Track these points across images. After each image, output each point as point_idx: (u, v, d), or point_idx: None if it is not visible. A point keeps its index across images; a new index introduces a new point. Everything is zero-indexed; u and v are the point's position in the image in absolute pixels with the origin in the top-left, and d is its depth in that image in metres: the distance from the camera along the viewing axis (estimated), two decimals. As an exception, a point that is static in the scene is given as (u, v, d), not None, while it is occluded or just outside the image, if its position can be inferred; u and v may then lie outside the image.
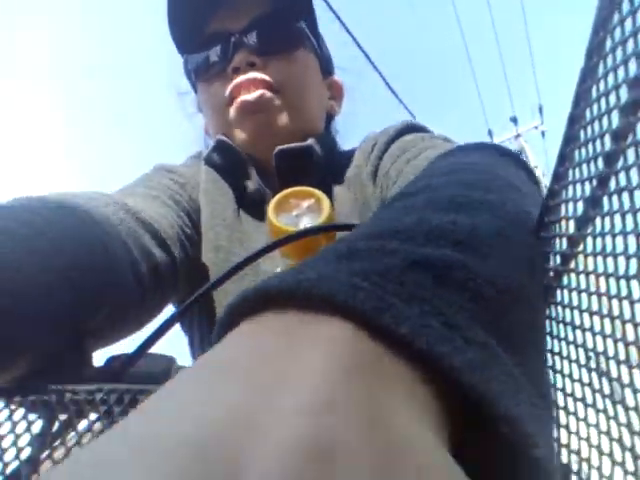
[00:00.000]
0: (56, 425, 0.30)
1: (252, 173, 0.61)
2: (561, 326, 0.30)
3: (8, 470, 0.28)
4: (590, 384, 0.27)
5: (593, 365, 0.27)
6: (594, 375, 0.27)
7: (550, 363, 0.32)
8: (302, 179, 0.51)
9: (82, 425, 0.30)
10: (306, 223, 0.38)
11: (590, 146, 0.27)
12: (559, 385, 0.30)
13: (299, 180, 0.50)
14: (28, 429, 0.30)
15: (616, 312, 0.24)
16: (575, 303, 0.28)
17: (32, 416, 0.30)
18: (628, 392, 0.23)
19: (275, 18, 0.62)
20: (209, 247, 0.57)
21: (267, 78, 0.60)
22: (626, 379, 0.24)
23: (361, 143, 0.67)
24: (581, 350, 0.28)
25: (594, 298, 0.27)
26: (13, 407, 0.31)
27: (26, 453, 0.29)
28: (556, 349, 0.31)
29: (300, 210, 0.39)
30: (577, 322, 0.28)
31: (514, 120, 10.87)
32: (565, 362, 0.30)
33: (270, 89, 0.60)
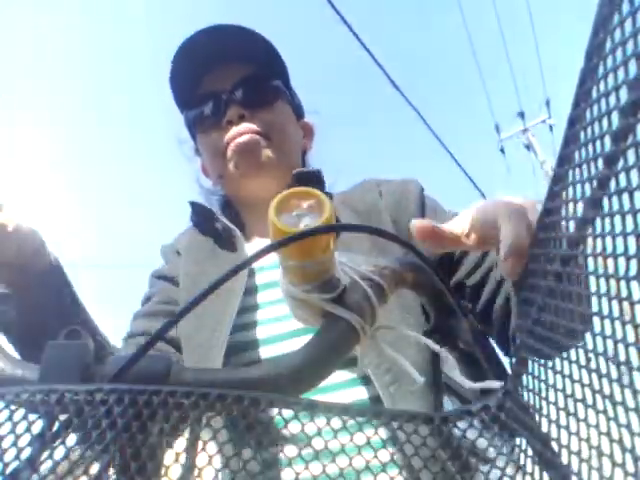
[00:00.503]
0: (56, 425, 0.30)
1: (221, 218, 0.79)
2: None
3: (8, 470, 0.28)
4: (590, 385, 0.27)
5: (593, 366, 0.27)
6: (594, 376, 0.27)
7: (550, 364, 0.32)
8: None
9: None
10: (307, 223, 0.38)
11: (590, 147, 0.27)
12: (559, 386, 0.30)
13: None
14: (28, 429, 0.30)
15: (616, 313, 0.24)
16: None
17: (32, 416, 0.31)
18: (628, 393, 0.23)
19: (257, 79, 0.80)
20: (185, 281, 0.76)
21: (255, 127, 0.77)
22: (626, 380, 0.24)
23: (362, 183, 0.83)
24: (581, 351, 0.28)
25: (594, 300, 0.26)
26: (13, 407, 0.31)
27: (26, 453, 0.29)
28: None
29: (301, 210, 0.39)
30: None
31: (521, 115, 10.78)
32: (565, 363, 0.30)
33: (258, 135, 0.77)
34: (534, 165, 11.08)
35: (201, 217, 0.81)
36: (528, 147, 10.71)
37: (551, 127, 10.78)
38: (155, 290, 0.80)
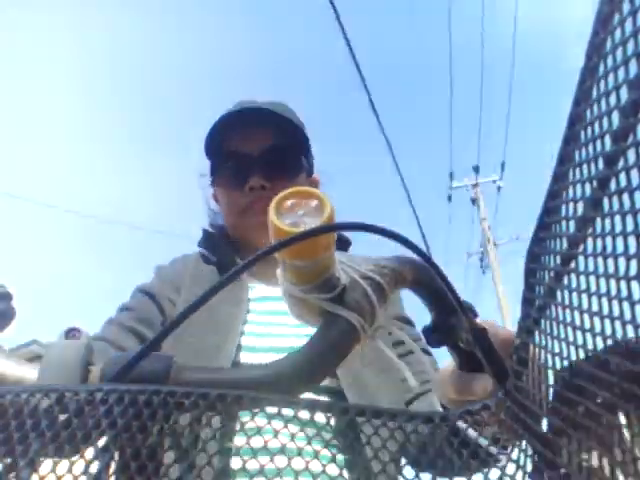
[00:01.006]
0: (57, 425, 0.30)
1: (227, 248, 0.88)
2: (562, 327, 0.30)
3: (8, 470, 0.28)
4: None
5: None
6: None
7: (551, 364, 0.32)
8: None
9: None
10: (307, 223, 0.38)
11: (590, 146, 0.27)
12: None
13: None
14: (30, 429, 0.30)
15: (617, 313, 0.24)
16: (575, 304, 0.28)
17: (32, 416, 0.31)
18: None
19: (281, 150, 0.89)
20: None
21: (269, 194, 0.80)
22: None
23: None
24: (582, 351, 0.28)
25: (594, 299, 0.26)
26: (15, 407, 0.31)
27: (27, 453, 0.29)
28: (557, 350, 0.31)
29: (301, 210, 0.39)
30: (577, 323, 0.28)
31: (476, 169, 11.12)
32: (566, 363, 0.30)
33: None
34: (474, 219, 11.34)
35: (210, 245, 0.89)
36: (474, 201, 11.02)
37: (499, 188, 11.18)
38: (135, 304, 0.84)
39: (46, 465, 0.29)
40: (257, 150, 0.88)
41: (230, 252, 0.87)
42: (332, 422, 0.36)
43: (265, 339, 0.76)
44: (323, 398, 0.70)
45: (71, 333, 0.38)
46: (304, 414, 0.33)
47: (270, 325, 0.79)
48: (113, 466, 0.30)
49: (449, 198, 11.33)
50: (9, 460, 0.29)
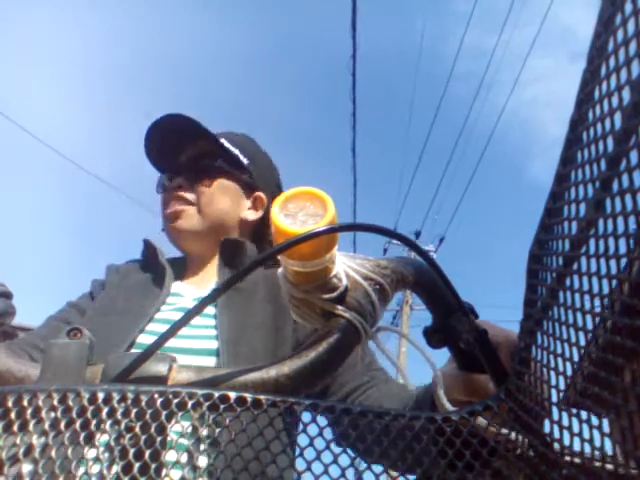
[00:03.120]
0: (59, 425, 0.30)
1: (160, 257, 0.93)
2: (564, 328, 0.30)
3: (9, 469, 0.28)
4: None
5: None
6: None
7: (553, 365, 0.32)
8: (238, 265, 0.90)
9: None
10: (310, 224, 0.38)
11: (593, 148, 0.27)
12: (561, 386, 0.30)
13: (235, 265, 0.90)
14: (33, 429, 0.30)
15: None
16: (578, 304, 0.28)
17: (34, 416, 0.30)
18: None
19: (201, 158, 0.96)
20: (103, 298, 0.90)
21: (186, 196, 0.93)
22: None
23: None
24: (583, 351, 0.28)
25: (596, 299, 0.26)
26: (17, 407, 0.31)
27: (27, 453, 0.29)
28: (559, 350, 0.31)
29: (303, 211, 0.39)
30: (580, 324, 0.28)
31: (417, 234, 11.44)
32: (568, 364, 0.30)
33: (186, 202, 0.93)
34: None
35: (148, 253, 0.97)
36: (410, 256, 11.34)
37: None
38: (88, 296, 0.95)
39: (47, 465, 0.29)
40: (181, 158, 0.97)
41: (163, 260, 0.94)
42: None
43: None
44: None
45: (72, 332, 0.38)
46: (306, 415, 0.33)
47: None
48: (115, 466, 0.29)
49: (384, 251, 11.56)
50: (12, 460, 0.29)
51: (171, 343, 0.74)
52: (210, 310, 0.83)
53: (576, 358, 0.29)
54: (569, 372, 0.30)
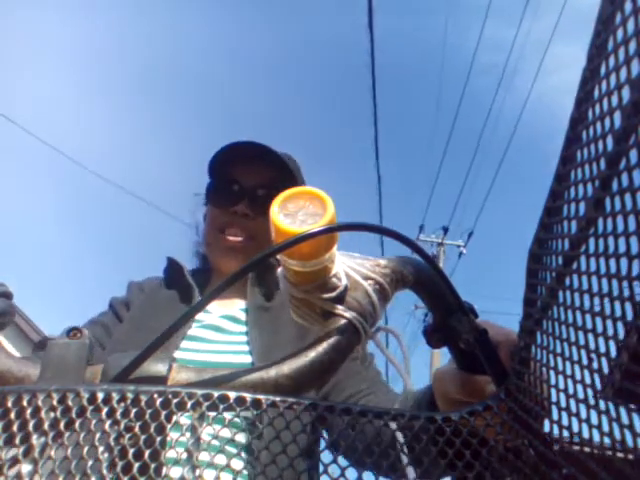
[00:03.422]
0: (60, 425, 0.30)
1: (187, 276, 0.96)
2: (563, 327, 0.30)
3: (9, 469, 0.28)
4: (592, 386, 0.27)
5: (595, 366, 0.27)
6: (596, 377, 0.27)
7: (552, 364, 0.31)
8: (269, 283, 0.94)
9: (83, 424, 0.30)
10: (309, 224, 0.38)
11: (592, 147, 0.27)
12: (562, 386, 0.30)
13: (267, 284, 0.94)
14: (33, 429, 0.30)
15: (618, 314, 0.24)
16: (577, 304, 0.28)
17: (34, 415, 0.30)
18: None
19: (273, 192, 0.91)
20: (133, 318, 0.92)
21: (251, 229, 0.96)
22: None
23: None
24: (583, 352, 0.28)
25: (596, 299, 0.26)
26: (16, 406, 0.31)
27: (27, 453, 0.29)
28: (558, 350, 0.30)
29: (303, 210, 0.39)
30: (579, 323, 0.28)
31: (445, 230, 11.50)
32: (568, 364, 0.30)
33: (249, 235, 0.96)
34: None
35: (173, 271, 0.99)
36: (435, 256, 11.24)
37: (460, 254, 11.55)
38: (110, 312, 0.96)
39: (48, 465, 0.29)
40: (253, 183, 0.98)
41: (192, 280, 0.96)
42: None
43: (201, 354, 0.83)
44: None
45: (72, 332, 0.38)
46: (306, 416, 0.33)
47: (208, 342, 0.86)
48: (115, 466, 0.29)
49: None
50: (12, 459, 0.29)
51: (209, 358, 0.80)
52: (241, 328, 0.88)
53: (575, 357, 0.29)
54: (568, 371, 0.29)
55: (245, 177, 0.99)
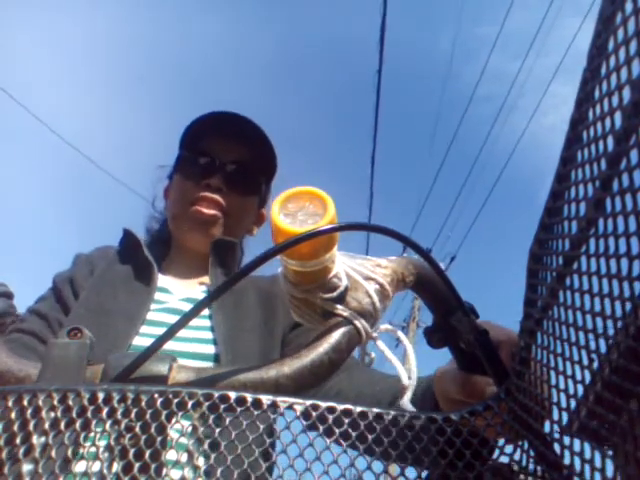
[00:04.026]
0: (60, 425, 0.30)
1: (145, 250, 0.89)
2: (564, 327, 0.30)
3: (10, 469, 0.28)
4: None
5: (596, 366, 0.27)
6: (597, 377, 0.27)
7: (553, 364, 0.31)
8: (230, 265, 0.90)
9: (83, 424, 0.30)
10: (309, 224, 0.38)
11: (593, 147, 0.27)
12: (562, 386, 0.30)
13: (228, 266, 0.89)
14: (33, 429, 0.30)
15: (619, 314, 0.24)
16: (578, 304, 0.28)
17: (35, 415, 0.30)
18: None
19: (248, 168, 0.94)
20: (89, 298, 0.84)
21: (223, 204, 0.90)
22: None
23: (273, 275, 0.93)
24: (584, 352, 0.28)
25: (597, 299, 0.26)
26: (17, 406, 0.31)
27: (29, 452, 0.29)
28: (559, 350, 0.30)
29: (303, 210, 0.39)
30: (580, 323, 0.28)
31: (428, 251, 11.48)
32: (568, 364, 0.30)
33: (221, 210, 0.90)
34: (408, 294, 11.83)
35: (129, 245, 0.92)
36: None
37: None
38: (50, 293, 0.88)
39: (48, 465, 0.29)
40: (230, 157, 0.92)
41: (148, 255, 0.89)
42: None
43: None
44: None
45: (72, 332, 0.38)
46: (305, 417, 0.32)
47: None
48: (115, 466, 0.29)
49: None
50: (12, 460, 0.29)
51: (169, 346, 0.73)
52: (204, 311, 0.78)
53: (576, 357, 0.29)
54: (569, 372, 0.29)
55: (221, 150, 0.93)
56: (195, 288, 0.90)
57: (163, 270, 0.92)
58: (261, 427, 0.32)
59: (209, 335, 0.78)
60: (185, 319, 0.37)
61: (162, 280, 0.89)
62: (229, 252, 0.91)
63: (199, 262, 0.93)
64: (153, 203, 1.05)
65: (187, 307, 0.81)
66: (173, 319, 0.79)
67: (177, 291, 0.87)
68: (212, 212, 0.89)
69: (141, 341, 0.76)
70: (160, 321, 0.80)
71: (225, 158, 0.92)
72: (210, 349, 0.76)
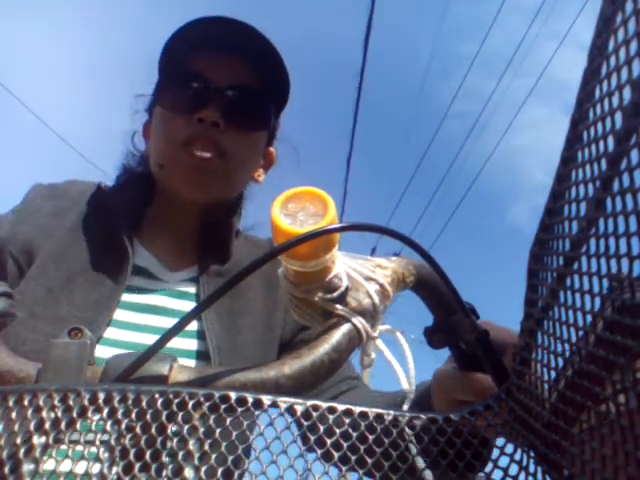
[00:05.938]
0: (60, 425, 0.30)
1: (124, 238, 0.69)
2: (564, 328, 0.30)
3: (10, 469, 0.28)
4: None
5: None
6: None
7: (553, 365, 0.31)
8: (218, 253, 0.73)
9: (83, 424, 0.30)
10: (310, 224, 0.38)
11: (593, 147, 0.27)
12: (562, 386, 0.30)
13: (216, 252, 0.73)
14: (33, 429, 0.30)
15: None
16: (578, 304, 0.28)
17: (35, 416, 0.30)
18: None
19: (253, 95, 0.71)
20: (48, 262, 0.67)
21: (221, 145, 0.69)
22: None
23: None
24: (584, 352, 0.28)
25: (597, 300, 0.26)
26: (17, 406, 0.31)
27: (29, 452, 0.29)
28: (559, 350, 0.30)
29: (304, 211, 0.39)
30: (580, 324, 0.28)
31: (396, 255, 11.46)
32: (568, 364, 0.30)
33: (218, 152, 0.69)
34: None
35: (100, 202, 0.73)
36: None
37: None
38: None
39: (49, 465, 0.29)
40: (226, 80, 0.69)
41: (127, 241, 0.69)
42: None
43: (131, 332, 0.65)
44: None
45: (73, 332, 0.38)
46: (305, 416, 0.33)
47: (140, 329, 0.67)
48: (116, 467, 0.29)
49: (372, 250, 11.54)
50: (12, 460, 0.29)
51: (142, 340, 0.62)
52: (191, 304, 0.69)
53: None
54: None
55: (216, 71, 0.69)
56: (182, 272, 0.73)
57: (142, 233, 0.74)
58: (244, 423, 0.31)
59: (194, 343, 0.68)
60: (189, 317, 0.37)
61: (140, 257, 0.71)
62: (217, 227, 0.75)
63: (183, 235, 0.75)
64: (132, 139, 0.82)
65: (169, 302, 0.69)
66: (151, 319, 0.67)
67: (159, 273, 0.71)
68: (206, 155, 0.68)
69: (112, 333, 0.63)
70: (136, 302, 0.66)
71: (222, 81, 0.69)
72: (200, 345, 0.67)
